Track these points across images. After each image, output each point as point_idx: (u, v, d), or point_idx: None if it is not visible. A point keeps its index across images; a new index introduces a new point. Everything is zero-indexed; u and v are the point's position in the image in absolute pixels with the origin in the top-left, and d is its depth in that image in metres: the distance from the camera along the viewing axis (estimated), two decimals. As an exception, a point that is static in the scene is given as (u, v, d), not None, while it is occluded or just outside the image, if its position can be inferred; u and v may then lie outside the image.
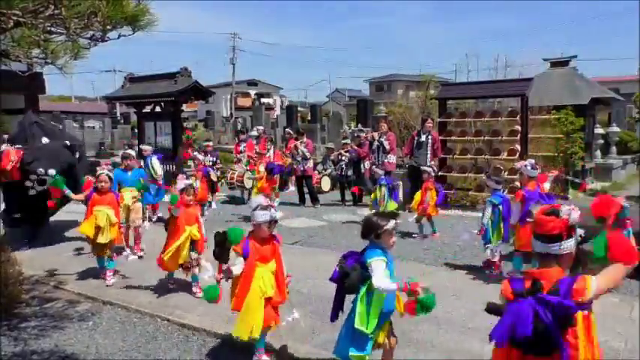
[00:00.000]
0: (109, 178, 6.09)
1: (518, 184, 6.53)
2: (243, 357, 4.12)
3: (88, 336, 4.61)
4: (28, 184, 6.88)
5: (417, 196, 8.14)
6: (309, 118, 28.70)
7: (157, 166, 9.21)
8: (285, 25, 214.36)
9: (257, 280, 3.74)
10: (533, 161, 6.07)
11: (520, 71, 20.99)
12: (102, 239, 5.80)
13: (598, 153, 15.13)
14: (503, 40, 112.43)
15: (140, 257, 7.05)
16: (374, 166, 10.37)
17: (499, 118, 10.83)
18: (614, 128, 16.74)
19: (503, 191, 6.39)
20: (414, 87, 31.88)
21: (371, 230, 3.35)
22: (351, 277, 3.27)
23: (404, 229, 8.11)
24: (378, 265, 3.20)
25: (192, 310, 5.06)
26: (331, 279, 3.44)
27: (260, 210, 3.77)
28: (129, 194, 7.11)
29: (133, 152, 7.69)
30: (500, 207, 6.04)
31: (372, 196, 8.80)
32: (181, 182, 5.55)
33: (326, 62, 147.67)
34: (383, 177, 8.63)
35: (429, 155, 10.37)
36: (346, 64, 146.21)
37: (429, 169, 8.65)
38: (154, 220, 8.88)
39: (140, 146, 11.04)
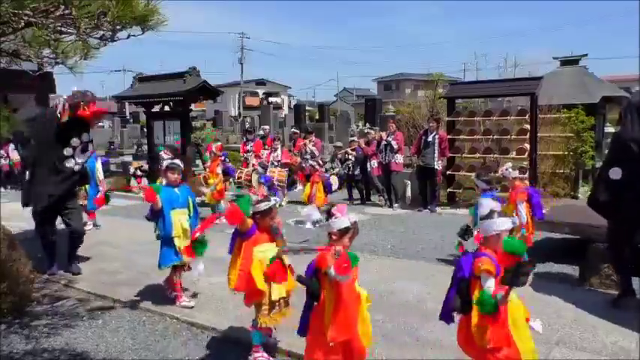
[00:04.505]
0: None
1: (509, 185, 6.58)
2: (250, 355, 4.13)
3: (97, 334, 4.64)
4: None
5: (307, 188, 9.17)
6: (317, 117, 28.72)
7: (101, 170, 8.61)
8: (293, 25, 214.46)
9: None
10: (510, 164, 6.42)
11: (529, 70, 20.88)
12: (277, 293, 3.82)
13: (608, 152, 14.96)
14: (512, 39, 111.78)
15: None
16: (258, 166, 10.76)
17: (508, 117, 10.77)
18: (625, 127, 16.52)
19: (495, 190, 6.44)
20: (422, 86, 31.79)
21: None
22: None
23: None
24: None
25: (201, 309, 5.08)
26: None
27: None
28: (183, 218, 5.11)
29: (180, 162, 5.38)
30: None
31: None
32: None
33: (334, 61, 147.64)
34: (262, 176, 9.43)
35: (436, 154, 10.35)
36: (355, 64, 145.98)
37: (314, 163, 9.48)
38: (89, 228, 8.33)
39: None
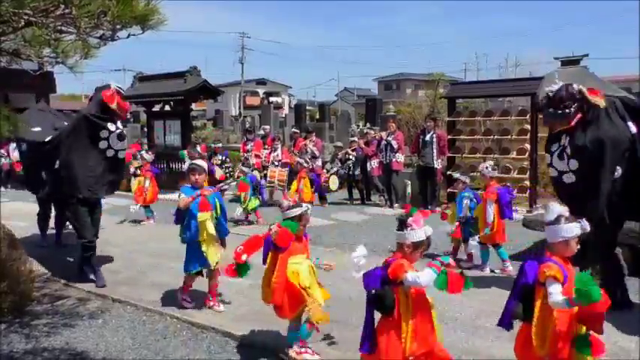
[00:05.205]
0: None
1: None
2: (250, 355, 4.13)
3: (97, 334, 4.64)
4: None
5: (294, 184, 9.47)
6: (318, 117, 28.69)
7: None
8: (294, 24, 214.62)
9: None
10: (491, 162, 6.67)
11: (530, 70, 20.91)
12: (321, 298, 3.94)
13: (609, 152, 14.91)
14: (512, 39, 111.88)
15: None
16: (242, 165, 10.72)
17: (509, 117, 10.76)
18: (626, 127, 16.47)
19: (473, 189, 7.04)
20: (422, 86, 31.83)
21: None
22: None
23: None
24: None
25: (201, 309, 5.08)
26: None
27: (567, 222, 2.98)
28: (209, 222, 4.92)
29: (203, 163, 5.27)
30: (474, 200, 6.46)
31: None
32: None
33: (335, 61, 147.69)
34: (249, 175, 9.42)
35: (435, 154, 10.36)
36: (355, 63, 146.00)
37: (301, 160, 9.91)
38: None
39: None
